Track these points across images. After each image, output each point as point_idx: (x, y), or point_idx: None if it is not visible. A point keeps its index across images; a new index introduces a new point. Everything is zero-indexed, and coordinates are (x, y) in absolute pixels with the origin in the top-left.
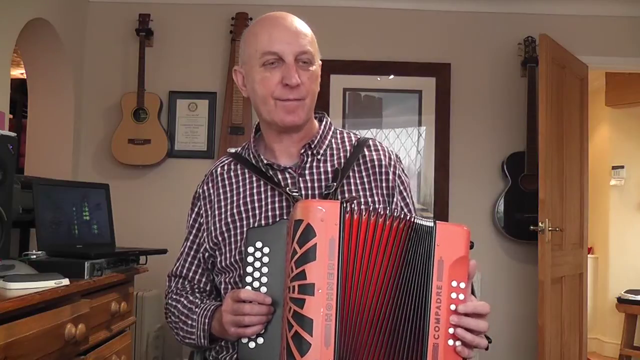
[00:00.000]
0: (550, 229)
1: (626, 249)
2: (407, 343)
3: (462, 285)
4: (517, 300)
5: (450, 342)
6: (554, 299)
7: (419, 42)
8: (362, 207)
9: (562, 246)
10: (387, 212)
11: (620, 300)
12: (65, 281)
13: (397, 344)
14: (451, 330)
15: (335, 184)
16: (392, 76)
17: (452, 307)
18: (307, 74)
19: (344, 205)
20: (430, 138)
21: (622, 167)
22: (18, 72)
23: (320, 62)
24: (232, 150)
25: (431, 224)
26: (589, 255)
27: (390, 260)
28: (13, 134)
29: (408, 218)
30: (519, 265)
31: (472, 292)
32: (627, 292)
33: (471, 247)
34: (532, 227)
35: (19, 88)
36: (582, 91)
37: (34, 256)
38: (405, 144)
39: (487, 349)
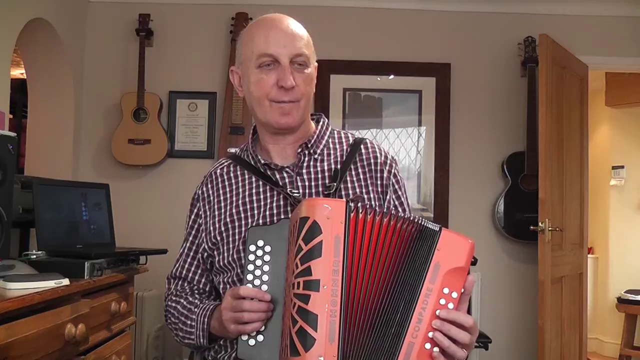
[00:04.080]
0: (550, 229)
1: (626, 249)
2: (390, 339)
3: (455, 295)
4: (517, 300)
5: (427, 345)
6: (554, 299)
7: (419, 42)
8: (367, 206)
9: (562, 246)
10: (393, 212)
11: (620, 300)
12: (65, 281)
13: (384, 340)
14: (430, 334)
15: (335, 183)
16: (392, 76)
17: (438, 312)
18: (302, 76)
19: (350, 204)
20: (430, 138)
21: (622, 167)
22: (18, 72)
23: (316, 64)
24: (232, 150)
25: (436, 229)
26: (589, 255)
27: (391, 259)
28: (13, 134)
29: (416, 220)
30: (519, 265)
31: (468, 310)
32: (627, 292)
33: (474, 262)
34: (532, 227)
35: (19, 88)
36: (582, 91)
37: (34, 256)
38: (405, 144)
39: (486, 348)
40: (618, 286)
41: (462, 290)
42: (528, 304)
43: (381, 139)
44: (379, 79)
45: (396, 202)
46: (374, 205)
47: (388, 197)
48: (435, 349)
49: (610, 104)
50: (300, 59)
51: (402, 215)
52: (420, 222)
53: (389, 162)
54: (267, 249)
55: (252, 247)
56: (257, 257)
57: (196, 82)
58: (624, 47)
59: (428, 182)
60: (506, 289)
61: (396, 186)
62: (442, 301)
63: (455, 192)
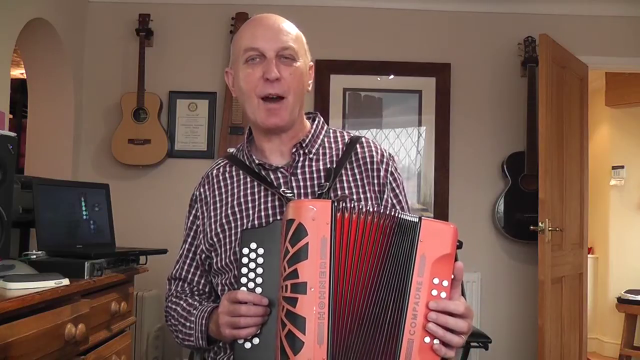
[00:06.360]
0: (550, 229)
1: (626, 249)
2: (384, 339)
3: (445, 283)
4: (517, 300)
5: (427, 339)
6: (554, 299)
7: (419, 42)
8: (353, 205)
9: (562, 246)
10: (375, 209)
11: (620, 300)
12: (65, 281)
13: (376, 340)
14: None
15: (328, 183)
16: (392, 76)
17: (430, 304)
18: (289, 69)
19: (335, 204)
20: (430, 138)
21: (622, 167)
22: (18, 72)
23: (311, 63)
24: (231, 150)
25: (416, 220)
26: (589, 255)
27: (376, 257)
28: (13, 134)
29: (393, 214)
30: (519, 265)
31: (462, 294)
32: (627, 292)
33: (459, 246)
34: (532, 227)
35: (19, 88)
36: (582, 91)
37: (34, 256)
38: (405, 144)
39: (486, 348)
40: (618, 286)
41: (452, 276)
42: (528, 304)
43: (381, 139)
44: (379, 79)
45: (394, 201)
46: (359, 204)
47: (385, 196)
48: (435, 341)
49: (610, 104)
50: (287, 52)
51: (382, 210)
52: (398, 215)
53: (385, 160)
54: (260, 251)
55: (246, 250)
56: (250, 259)
57: (196, 82)
58: (624, 47)
59: (428, 182)
60: (506, 289)
61: (393, 184)
62: (434, 292)
63: (455, 192)
